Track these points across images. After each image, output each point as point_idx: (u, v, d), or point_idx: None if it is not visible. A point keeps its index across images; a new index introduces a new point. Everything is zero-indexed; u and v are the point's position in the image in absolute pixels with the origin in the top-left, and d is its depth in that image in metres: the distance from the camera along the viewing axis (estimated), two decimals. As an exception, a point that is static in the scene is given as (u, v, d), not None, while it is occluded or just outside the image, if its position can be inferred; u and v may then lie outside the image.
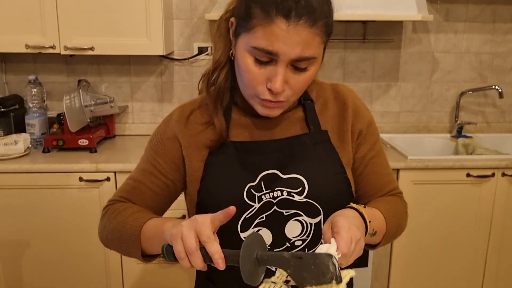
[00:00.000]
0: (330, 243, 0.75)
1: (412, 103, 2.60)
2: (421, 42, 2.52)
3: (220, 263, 0.71)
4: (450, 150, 2.50)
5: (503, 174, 2.09)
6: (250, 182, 0.91)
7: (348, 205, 0.86)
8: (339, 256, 0.73)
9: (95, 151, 2.16)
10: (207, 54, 2.45)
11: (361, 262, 0.82)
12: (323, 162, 0.93)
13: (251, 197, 0.90)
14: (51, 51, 2.10)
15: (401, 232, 1.01)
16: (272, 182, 0.91)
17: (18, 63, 2.42)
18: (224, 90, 0.93)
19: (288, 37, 0.78)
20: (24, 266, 2.08)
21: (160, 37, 2.13)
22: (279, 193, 0.91)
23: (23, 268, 2.08)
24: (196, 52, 2.45)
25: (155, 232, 0.86)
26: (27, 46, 2.08)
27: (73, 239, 2.06)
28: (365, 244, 0.86)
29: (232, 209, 0.75)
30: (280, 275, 0.81)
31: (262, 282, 0.77)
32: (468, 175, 2.08)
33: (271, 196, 0.91)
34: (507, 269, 2.21)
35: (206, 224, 0.74)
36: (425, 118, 2.62)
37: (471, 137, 2.46)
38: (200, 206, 0.95)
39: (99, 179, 1.99)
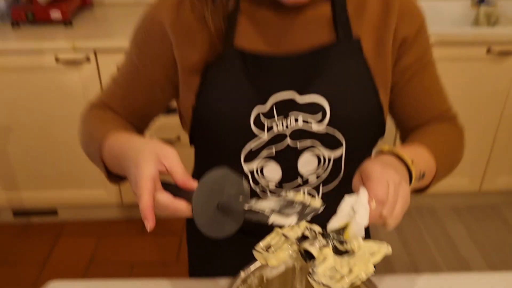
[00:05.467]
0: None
1: (432, -37, 2.26)
2: None
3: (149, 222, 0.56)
4: (470, 19, 2.24)
5: (528, 50, 1.88)
6: (258, 103, 0.72)
7: (378, 150, 0.68)
8: (374, 206, 0.57)
9: (70, 24, 1.90)
10: None
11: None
12: (351, 80, 0.72)
13: (260, 124, 0.72)
14: None
15: (457, 165, 0.80)
16: (285, 106, 0.72)
17: None
18: None
19: None
20: (10, 151, 1.97)
21: None
22: (293, 120, 0.72)
23: (10, 153, 1.98)
24: None
25: (117, 156, 0.67)
26: None
27: (55, 123, 1.92)
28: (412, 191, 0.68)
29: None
30: (294, 230, 0.61)
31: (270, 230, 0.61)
32: (488, 50, 1.87)
33: (284, 125, 0.73)
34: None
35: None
36: (445, -19, 2.31)
37: (495, 5, 2.18)
38: (195, 129, 0.77)
39: (78, 58, 1.77)
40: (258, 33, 0.73)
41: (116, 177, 0.73)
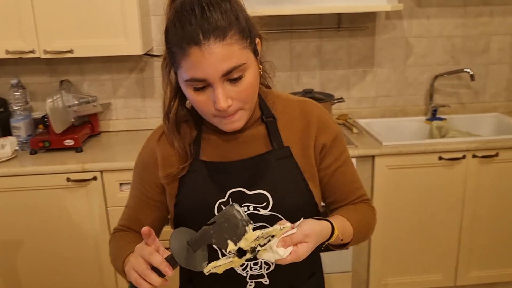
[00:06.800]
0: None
1: (388, 88, 2.68)
2: (395, 28, 2.58)
3: (167, 271, 0.82)
4: (426, 132, 2.59)
5: (474, 156, 2.19)
6: (220, 199, 0.99)
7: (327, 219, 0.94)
8: (292, 233, 0.83)
9: (81, 151, 2.23)
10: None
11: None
12: (286, 177, 1.00)
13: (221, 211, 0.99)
14: (31, 55, 2.14)
15: (372, 232, 1.10)
16: (239, 199, 0.99)
17: (-1, 66, 2.46)
18: (180, 118, 1.02)
19: (206, 59, 0.84)
20: (19, 264, 2.17)
21: (138, 37, 2.17)
22: (246, 208, 0.99)
23: (19, 266, 2.17)
24: (175, 47, 2.49)
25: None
26: (7, 52, 2.12)
27: (64, 237, 2.14)
28: (331, 245, 0.96)
29: (143, 230, 0.84)
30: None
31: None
32: (440, 158, 2.17)
33: None
34: (479, 247, 2.34)
35: (145, 247, 0.84)
36: (401, 102, 2.70)
37: (445, 119, 2.55)
38: (176, 219, 1.04)
39: (86, 178, 2.06)
40: (215, 150, 1.03)
41: None
